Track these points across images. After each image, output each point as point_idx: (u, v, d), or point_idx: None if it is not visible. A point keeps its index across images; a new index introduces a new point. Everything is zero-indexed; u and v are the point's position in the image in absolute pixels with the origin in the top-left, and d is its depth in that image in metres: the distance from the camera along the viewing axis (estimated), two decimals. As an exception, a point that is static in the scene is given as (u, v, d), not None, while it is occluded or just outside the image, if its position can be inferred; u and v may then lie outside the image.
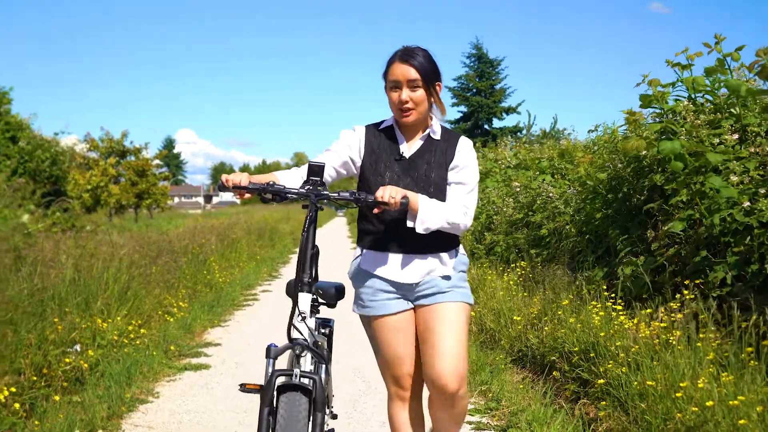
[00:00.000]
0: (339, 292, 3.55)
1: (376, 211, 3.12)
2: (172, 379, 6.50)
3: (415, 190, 3.25)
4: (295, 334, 2.96)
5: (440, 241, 3.37)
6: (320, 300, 3.39)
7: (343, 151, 3.44)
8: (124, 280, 7.97)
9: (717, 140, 6.06)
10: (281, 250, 22.41)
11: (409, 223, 3.20)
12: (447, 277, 3.41)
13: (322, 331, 3.63)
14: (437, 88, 3.37)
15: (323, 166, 3.11)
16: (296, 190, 3.10)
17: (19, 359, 5.26)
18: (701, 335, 4.67)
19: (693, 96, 6.78)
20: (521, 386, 5.89)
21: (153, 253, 10.57)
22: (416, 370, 3.48)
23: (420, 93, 3.29)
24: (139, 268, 8.95)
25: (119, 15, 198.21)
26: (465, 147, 3.43)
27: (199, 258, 12.79)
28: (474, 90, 46.68)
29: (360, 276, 3.48)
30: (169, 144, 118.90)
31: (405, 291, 3.41)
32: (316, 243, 3.11)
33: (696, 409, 3.95)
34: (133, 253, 9.56)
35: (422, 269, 3.38)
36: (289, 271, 16.18)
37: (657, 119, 6.93)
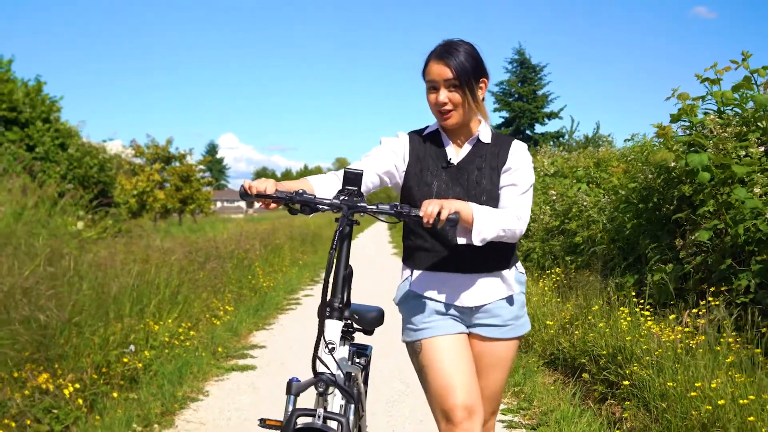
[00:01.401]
0: (379, 317, 3.15)
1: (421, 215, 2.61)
2: (220, 379, 6.79)
3: (465, 200, 2.83)
4: (321, 368, 2.49)
5: (500, 257, 3.02)
6: (355, 326, 3.08)
7: (386, 157, 3.04)
8: (174, 284, 8.31)
9: (743, 153, 6.25)
10: (323, 255, 22.52)
11: (461, 240, 2.83)
12: (510, 301, 3.04)
13: (357, 360, 3.21)
14: (481, 85, 2.99)
15: (361, 174, 2.68)
16: (328, 201, 2.65)
17: (82, 359, 5.61)
18: (722, 340, 4.90)
19: (722, 109, 6.96)
20: (552, 388, 6.11)
21: (201, 259, 10.87)
22: (473, 400, 2.89)
23: (459, 93, 2.92)
24: (189, 274, 9.28)
25: (165, 23, 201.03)
26: (519, 149, 3.05)
27: (244, 263, 13.05)
28: (516, 95, 46.60)
29: (411, 300, 3.06)
30: (212, 149, 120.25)
31: (463, 314, 3.03)
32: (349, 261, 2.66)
33: (710, 407, 4.18)
34: (183, 259, 9.90)
35: (485, 290, 3.00)
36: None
37: (687, 132, 7.12)
